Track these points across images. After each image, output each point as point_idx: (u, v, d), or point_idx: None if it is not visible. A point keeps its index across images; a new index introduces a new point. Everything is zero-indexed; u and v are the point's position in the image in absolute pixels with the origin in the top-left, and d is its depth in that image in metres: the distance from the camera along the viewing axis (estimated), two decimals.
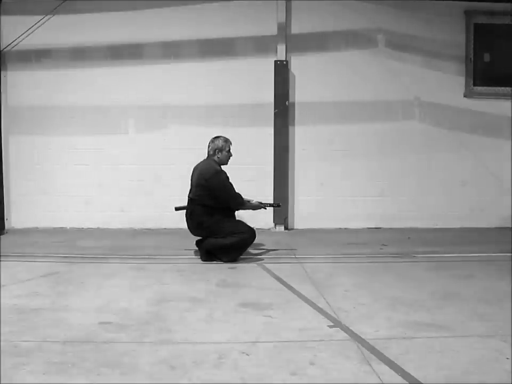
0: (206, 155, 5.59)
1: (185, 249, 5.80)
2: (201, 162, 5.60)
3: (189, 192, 5.55)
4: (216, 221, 5.33)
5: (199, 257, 5.46)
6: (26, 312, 3.67)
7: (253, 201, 5.64)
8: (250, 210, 5.78)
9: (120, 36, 7.21)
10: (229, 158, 5.57)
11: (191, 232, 5.52)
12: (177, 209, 5.79)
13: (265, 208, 5.79)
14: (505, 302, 3.86)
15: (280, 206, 6.11)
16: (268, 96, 7.15)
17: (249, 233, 5.36)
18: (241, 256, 5.40)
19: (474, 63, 7.42)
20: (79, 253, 5.71)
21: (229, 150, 5.55)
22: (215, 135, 5.61)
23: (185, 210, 5.53)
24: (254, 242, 5.48)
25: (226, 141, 5.55)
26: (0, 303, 3.82)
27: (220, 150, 5.49)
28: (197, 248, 5.56)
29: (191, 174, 5.64)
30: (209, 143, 5.56)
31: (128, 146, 7.33)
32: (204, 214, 5.33)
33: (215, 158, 5.51)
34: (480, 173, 7.46)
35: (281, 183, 7.25)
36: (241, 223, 5.50)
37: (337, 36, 7.34)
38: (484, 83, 7.46)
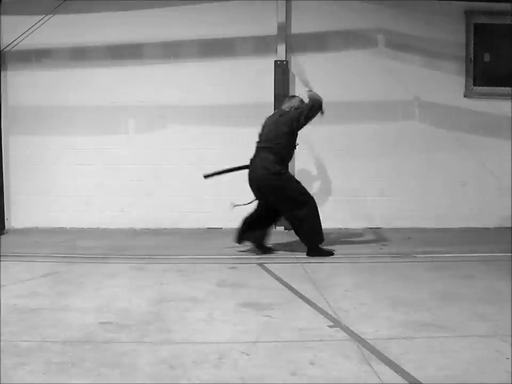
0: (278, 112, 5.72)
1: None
2: (274, 115, 5.71)
3: (259, 142, 5.56)
4: (287, 176, 5.46)
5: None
6: (26, 312, 3.66)
7: None
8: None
9: (120, 36, 7.21)
10: None
11: (252, 187, 5.48)
12: (206, 176, 5.83)
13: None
14: (505, 302, 3.85)
15: None
16: (268, 96, 7.14)
17: (314, 201, 5.50)
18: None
19: (474, 63, 7.42)
20: (79, 253, 5.71)
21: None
22: (291, 94, 5.70)
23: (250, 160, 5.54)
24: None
25: (302, 101, 5.61)
26: (0, 303, 3.82)
27: (296, 109, 5.54)
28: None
29: (262, 125, 5.69)
30: (286, 101, 5.71)
31: (128, 146, 7.33)
32: (274, 162, 5.37)
33: None
34: (480, 173, 7.45)
35: None
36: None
37: (337, 36, 7.34)
38: (484, 83, 7.46)
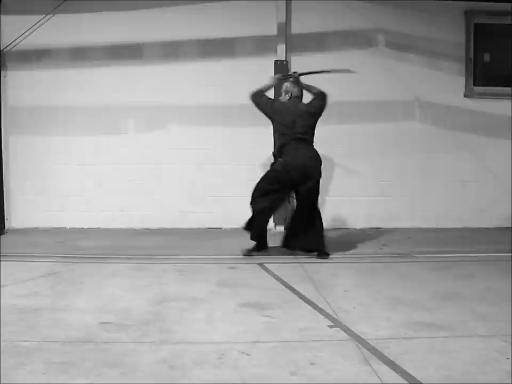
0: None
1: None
2: (293, 103, 5.50)
3: (293, 131, 5.34)
4: None
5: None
6: (26, 312, 3.67)
7: None
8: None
9: (120, 36, 7.20)
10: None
11: (294, 175, 5.25)
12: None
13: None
14: (505, 302, 3.85)
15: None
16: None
17: None
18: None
19: (474, 63, 7.42)
20: (79, 253, 5.70)
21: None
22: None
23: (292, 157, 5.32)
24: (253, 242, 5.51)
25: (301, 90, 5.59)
26: (0, 303, 3.82)
27: (310, 104, 5.58)
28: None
29: (278, 111, 5.46)
30: (290, 86, 5.57)
31: (128, 146, 7.33)
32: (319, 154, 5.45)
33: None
34: (480, 173, 7.45)
35: None
36: None
37: (337, 36, 7.34)
38: (484, 83, 7.46)
